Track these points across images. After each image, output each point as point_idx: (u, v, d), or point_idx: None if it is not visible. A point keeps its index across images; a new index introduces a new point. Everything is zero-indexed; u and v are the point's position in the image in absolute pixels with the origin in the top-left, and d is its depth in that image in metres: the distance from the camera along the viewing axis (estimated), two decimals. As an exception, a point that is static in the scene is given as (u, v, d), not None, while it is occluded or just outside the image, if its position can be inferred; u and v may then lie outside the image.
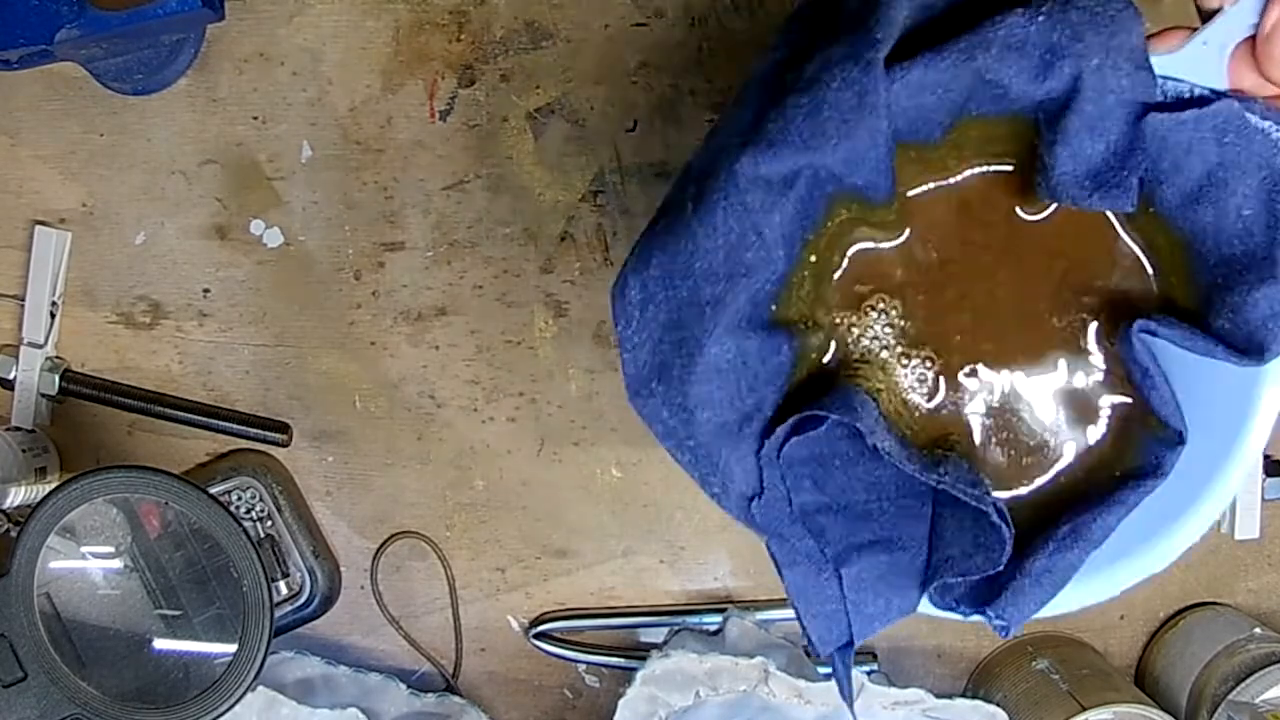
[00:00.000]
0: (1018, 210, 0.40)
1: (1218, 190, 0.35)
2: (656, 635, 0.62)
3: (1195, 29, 0.35)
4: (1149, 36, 0.35)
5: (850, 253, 0.40)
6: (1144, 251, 0.40)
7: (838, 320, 0.40)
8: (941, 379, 0.41)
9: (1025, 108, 0.36)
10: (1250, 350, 0.36)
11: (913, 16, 0.35)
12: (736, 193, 0.35)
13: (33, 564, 0.46)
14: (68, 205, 0.60)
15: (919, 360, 0.41)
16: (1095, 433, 0.41)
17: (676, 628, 0.61)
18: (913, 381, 0.41)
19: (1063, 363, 0.41)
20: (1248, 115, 0.34)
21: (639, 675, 0.55)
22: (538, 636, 0.62)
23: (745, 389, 0.36)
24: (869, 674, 0.56)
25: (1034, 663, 0.60)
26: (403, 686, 0.60)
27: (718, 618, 0.61)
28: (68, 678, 0.46)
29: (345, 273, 0.60)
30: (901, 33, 0.35)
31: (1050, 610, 0.39)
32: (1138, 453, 0.39)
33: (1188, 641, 0.61)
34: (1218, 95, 0.35)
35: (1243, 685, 0.56)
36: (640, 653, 0.61)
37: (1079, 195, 0.36)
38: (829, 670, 0.55)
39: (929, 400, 0.41)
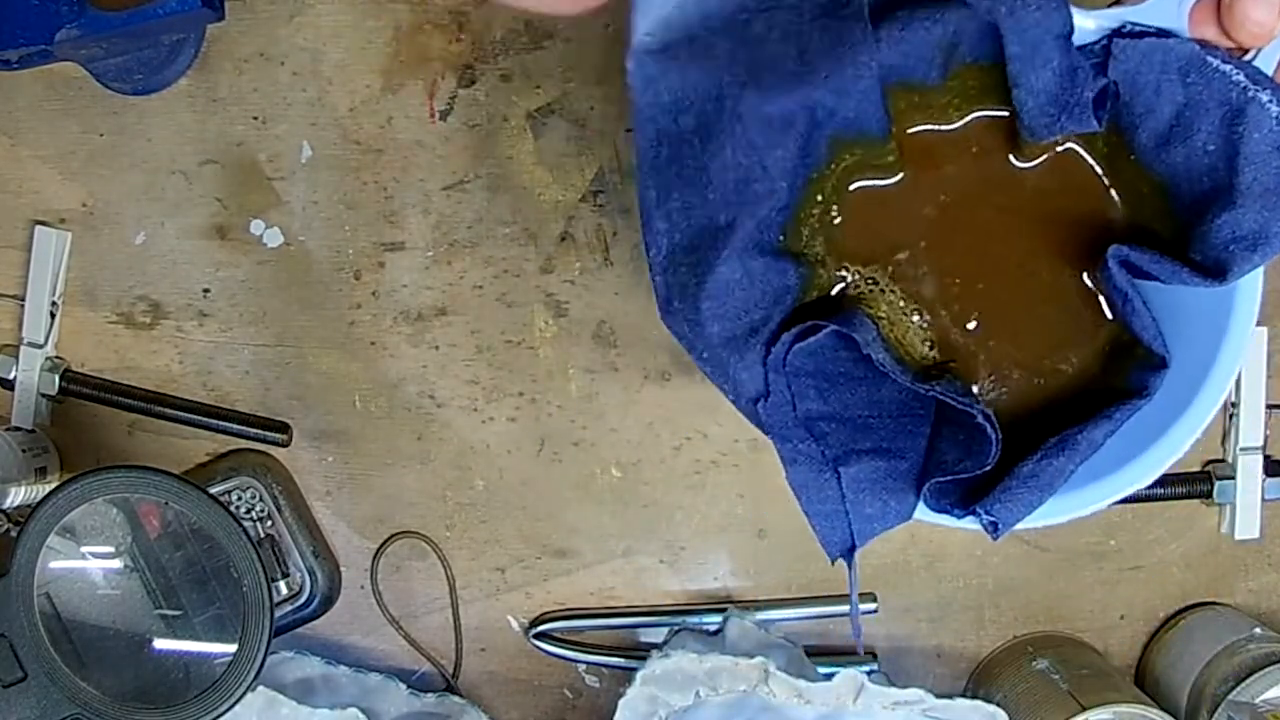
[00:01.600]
0: (1011, 159, 0.44)
1: (1185, 130, 0.39)
2: (656, 635, 0.62)
3: None
4: None
5: (853, 195, 0.44)
6: (1126, 196, 0.43)
7: (843, 259, 0.44)
8: (941, 315, 0.45)
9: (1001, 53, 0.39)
10: (1213, 273, 0.39)
11: None
12: (743, 131, 0.38)
13: (33, 564, 0.46)
14: (68, 205, 0.60)
15: (920, 295, 0.45)
16: (1086, 360, 0.45)
17: (676, 628, 0.61)
18: (913, 317, 0.45)
19: (1056, 299, 0.44)
20: (1208, 58, 0.37)
21: (639, 675, 0.55)
22: (538, 636, 0.62)
23: (752, 305, 0.40)
24: (869, 674, 0.56)
25: (1034, 663, 0.60)
26: (403, 686, 0.60)
27: (718, 618, 0.61)
28: (68, 678, 0.46)
29: (345, 273, 0.60)
30: None
31: (1040, 520, 0.42)
32: (1125, 377, 0.43)
33: (1188, 641, 0.61)
34: (1177, 36, 0.38)
35: (1243, 685, 0.56)
36: (640, 653, 0.61)
37: (1049, 123, 0.40)
38: (829, 670, 0.56)
39: (928, 333, 0.45)
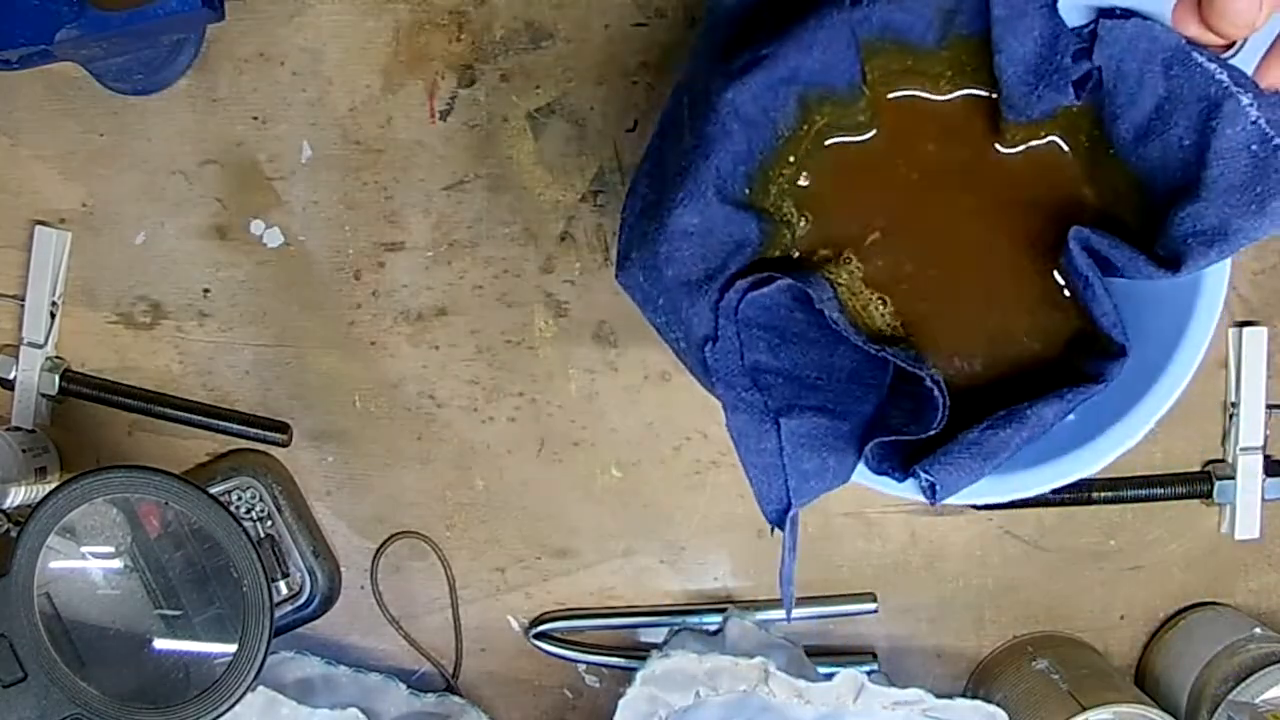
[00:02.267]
0: (995, 145, 0.44)
1: (1163, 122, 0.39)
2: (656, 635, 0.62)
3: None
4: None
5: (826, 160, 0.44)
6: (1103, 191, 0.44)
7: (809, 221, 0.44)
8: (903, 289, 0.44)
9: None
10: (1169, 265, 0.39)
11: None
12: (705, 80, 0.39)
13: (33, 564, 0.46)
14: (68, 205, 0.60)
15: (884, 269, 0.44)
16: (1048, 347, 0.45)
17: (676, 628, 0.61)
18: (873, 286, 0.44)
19: (1021, 285, 0.44)
20: (1193, 53, 0.38)
21: (639, 675, 0.55)
22: (538, 636, 0.62)
23: (710, 253, 0.40)
24: (869, 674, 0.56)
25: (1034, 663, 0.60)
26: (403, 686, 0.60)
27: (718, 618, 0.61)
28: (68, 678, 0.46)
29: (345, 273, 0.60)
30: None
31: (982, 496, 0.42)
32: (1085, 365, 0.43)
33: (1188, 641, 0.61)
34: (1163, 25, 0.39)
35: (1243, 685, 0.56)
36: (640, 653, 0.61)
37: (1027, 93, 0.40)
38: (829, 670, 0.56)
39: (887, 307, 0.44)
